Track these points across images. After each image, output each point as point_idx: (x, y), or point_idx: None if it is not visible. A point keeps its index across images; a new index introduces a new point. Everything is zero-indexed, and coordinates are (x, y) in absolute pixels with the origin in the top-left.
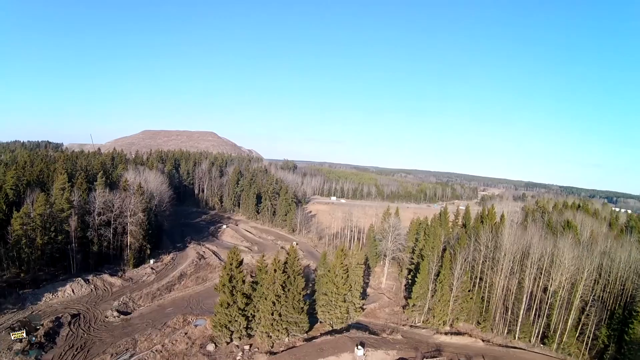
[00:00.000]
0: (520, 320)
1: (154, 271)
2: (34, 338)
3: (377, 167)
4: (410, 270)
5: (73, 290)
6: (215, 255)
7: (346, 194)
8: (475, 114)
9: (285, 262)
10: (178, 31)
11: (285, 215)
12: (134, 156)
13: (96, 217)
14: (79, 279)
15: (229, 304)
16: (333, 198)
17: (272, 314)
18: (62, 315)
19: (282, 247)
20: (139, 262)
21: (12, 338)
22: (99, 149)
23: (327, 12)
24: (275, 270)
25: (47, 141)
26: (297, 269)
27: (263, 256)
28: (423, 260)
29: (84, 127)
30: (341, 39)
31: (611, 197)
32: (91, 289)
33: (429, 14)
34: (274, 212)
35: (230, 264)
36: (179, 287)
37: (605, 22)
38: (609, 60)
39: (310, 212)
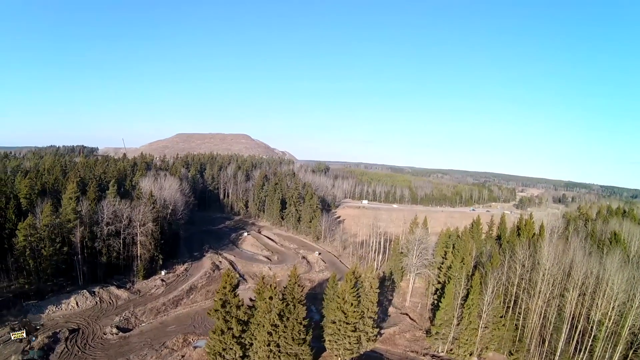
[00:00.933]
0: (558, 353)
1: (164, 283)
2: (34, 338)
3: (412, 167)
4: (436, 290)
5: (77, 303)
6: (232, 265)
7: (378, 197)
8: (514, 112)
9: (285, 287)
10: (210, 34)
11: (310, 221)
12: (160, 161)
13: (105, 228)
14: (85, 291)
15: (222, 331)
16: (364, 202)
17: (269, 345)
18: (60, 330)
19: (303, 257)
20: (150, 273)
21: (13, 338)
22: (125, 154)
23: (357, 12)
24: (271, 298)
25: (82, 145)
26: (299, 295)
27: (263, 278)
28: (449, 281)
29: (121, 131)
30: (373, 37)
31: None
32: (96, 302)
33: (461, 13)
34: (299, 218)
35: (224, 288)
36: (186, 302)
37: None
38: None
39: (339, 217)
